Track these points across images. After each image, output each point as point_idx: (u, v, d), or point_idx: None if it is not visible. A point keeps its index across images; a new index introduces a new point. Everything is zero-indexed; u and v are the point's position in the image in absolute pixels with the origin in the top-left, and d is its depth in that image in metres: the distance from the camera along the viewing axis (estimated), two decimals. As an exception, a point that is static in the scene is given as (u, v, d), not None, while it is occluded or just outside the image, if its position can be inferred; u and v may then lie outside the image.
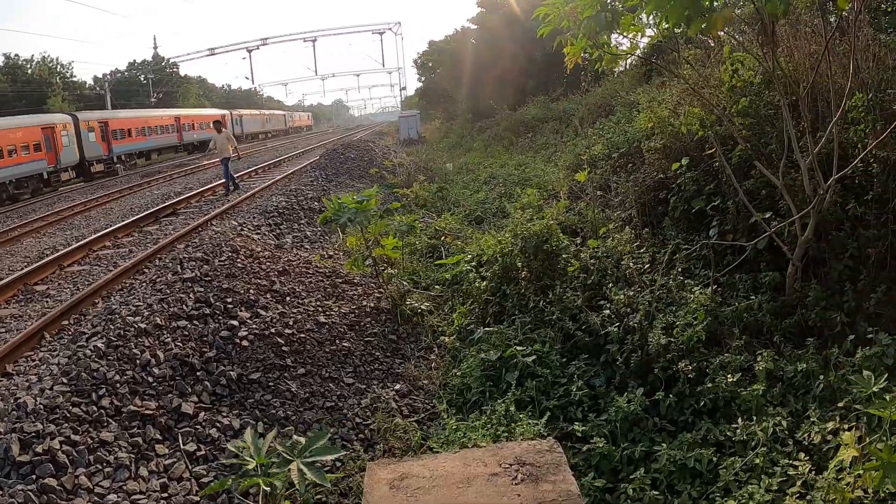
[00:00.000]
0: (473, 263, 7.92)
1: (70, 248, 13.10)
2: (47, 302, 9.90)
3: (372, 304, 7.57)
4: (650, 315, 5.96)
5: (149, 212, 16.79)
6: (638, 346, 5.72)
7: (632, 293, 6.33)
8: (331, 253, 10.06)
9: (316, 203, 13.65)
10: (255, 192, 17.56)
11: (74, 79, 69.96)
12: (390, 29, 53.88)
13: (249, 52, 52.24)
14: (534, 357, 5.77)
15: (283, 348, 6.14)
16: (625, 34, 6.86)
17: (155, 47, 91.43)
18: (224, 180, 19.56)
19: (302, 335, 6.40)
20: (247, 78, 59.99)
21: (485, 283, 7.26)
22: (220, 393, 5.60)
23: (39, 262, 12.01)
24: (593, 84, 22.05)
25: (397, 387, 6.12)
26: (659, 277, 6.40)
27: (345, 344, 6.58)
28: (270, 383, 5.80)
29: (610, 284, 6.64)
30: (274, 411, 5.51)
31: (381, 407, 5.70)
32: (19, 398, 5.45)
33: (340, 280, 8.32)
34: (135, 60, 78.44)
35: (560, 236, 7.26)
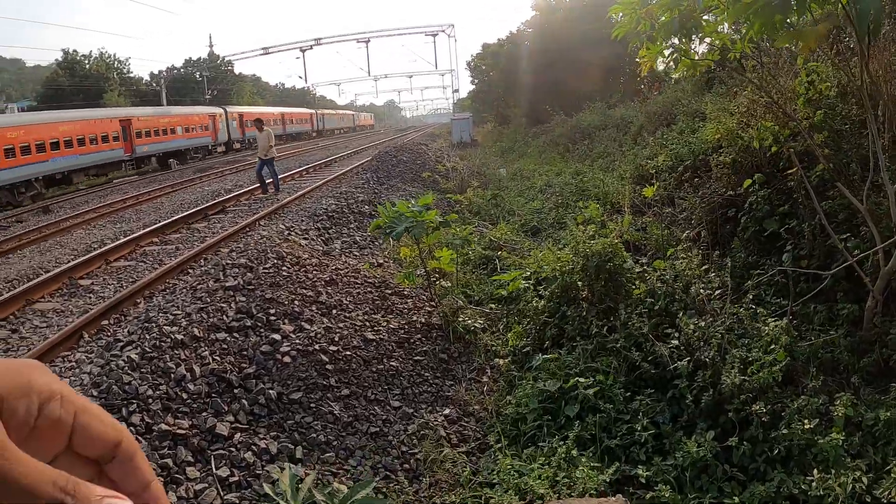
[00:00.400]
0: (531, 281, 7.42)
1: (117, 242, 13.05)
2: (90, 298, 9.77)
3: (423, 320, 7.12)
4: (723, 349, 5.39)
5: (198, 208, 16.75)
6: (710, 384, 5.15)
7: (703, 323, 5.75)
8: (380, 261, 9.66)
9: (367, 207, 13.30)
10: (305, 193, 17.35)
11: (131, 75, 72.43)
12: (443, 31, 53.65)
13: (303, 51, 52.78)
14: (596, 389, 5.23)
15: (328, 367, 5.73)
16: (703, 40, 6.38)
17: (210, 46, 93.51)
18: (258, 184, 19.21)
19: (348, 353, 5.98)
20: (300, 77, 61.39)
21: (543, 302, 6.75)
22: (258, 413, 5.21)
23: (86, 256, 11.95)
24: (653, 91, 21.47)
25: (446, 412, 5.67)
26: (730, 305, 5.83)
27: (392, 363, 6.13)
28: (312, 404, 5.38)
29: (678, 311, 6.07)
30: (315, 435, 5.10)
31: (428, 434, 5.25)
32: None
33: (390, 292, 7.90)
34: (190, 58, 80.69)
35: (624, 256, 6.71)
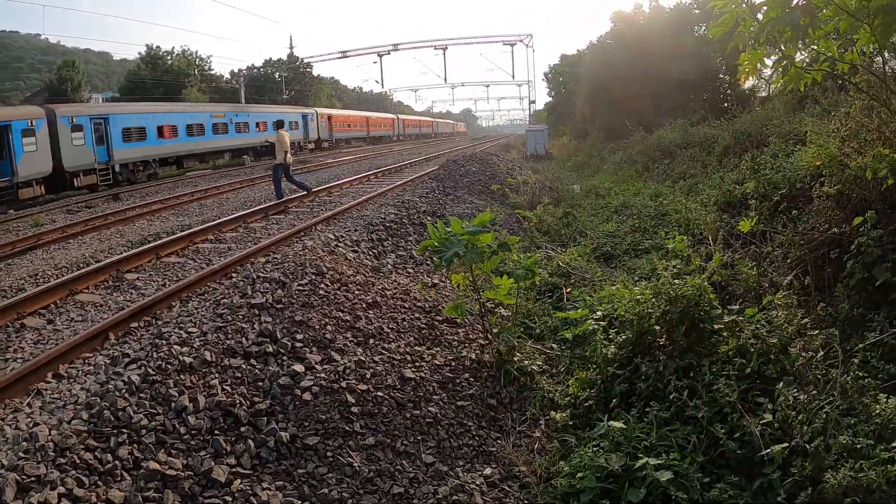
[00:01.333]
0: (603, 323, 6.52)
1: (171, 237, 12.86)
2: (131, 294, 9.49)
3: (473, 356, 6.36)
4: (827, 434, 4.41)
5: (259, 207, 16.52)
6: (808, 479, 4.19)
7: (804, 397, 4.77)
8: (436, 280, 8.94)
9: (428, 218, 12.65)
10: (368, 199, 16.88)
11: (212, 72, 75.50)
12: (521, 41, 52.81)
13: (380, 56, 53.02)
14: (669, 475, 4.34)
15: (353, 409, 5.04)
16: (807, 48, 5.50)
17: (291, 47, 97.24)
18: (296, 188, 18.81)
19: (380, 393, 5.27)
20: (377, 82, 62.31)
21: (613, 349, 5.87)
22: (265, 457, 4.57)
23: (137, 249, 11.77)
24: (739, 108, 20.24)
25: (487, 472, 4.90)
26: (838, 374, 4.81)
27: (431, 408, 5.39)
28: (329, 452, 4.70)
29: (774, 376, 5.10)
30: (327, 490, 4.42)
31: (461, 501, 4.50)
32: (37, 423, 4.70)
33: (441, 318, 7.18)
34: (270, 58, 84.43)
35: (712, 301, 5.76)
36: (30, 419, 5.30)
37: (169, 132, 33.36)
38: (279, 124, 18.78)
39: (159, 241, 12.45)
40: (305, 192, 18.41)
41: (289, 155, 17.87)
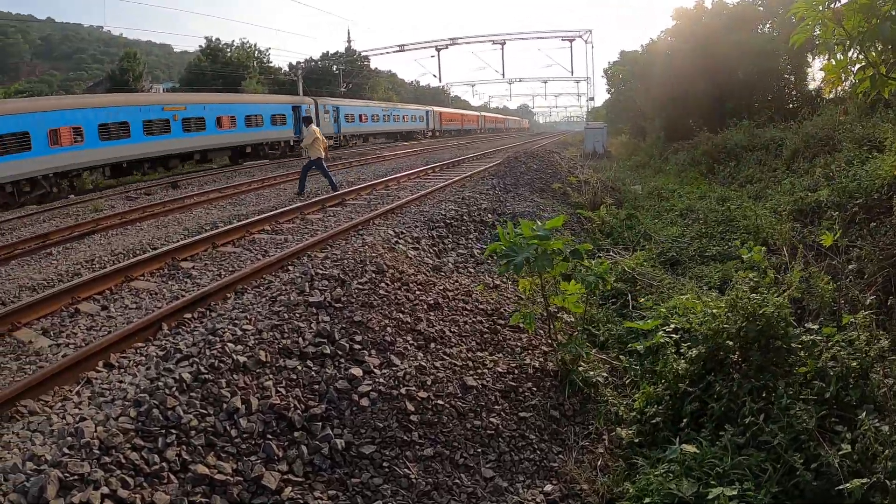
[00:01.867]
0: (676, 336, 6.08)
1: (228, 227, 12.84)
2: (186, 282, 9.43)
3: (537, 364, 6.01)
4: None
5: (317, 199, 16.44)
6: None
7: (886, 429, 4.28)
8: (498, 282, 8.61)
9: (489, 216, 12.31)
10: (427, 193, 16.62)
11: (271, 64, 76.92)
12: (580, 36, 51.78)
13: (438, 50, 52.57)
14: (742, 508, 3.93)
15: (412, 417, 4.76)
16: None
17: (348, 41, 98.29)
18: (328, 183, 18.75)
19: (440, 401, 4.98)
20: (434, 76, 62.36)
21: (684, 364, 5.44)
22: (319, 465, 4.33)
23: (194, 238, 11.77)
24: (808, 111, 19.34)
25: (548, 489, 4.58)
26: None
27: (493, 419, 5.07)
28: (385, 462, 4.43)
29: (854, 403, 4.61)
30: (381, 503, 4.15)
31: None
32: (84, 418, 4.55)
33: (503, 322, 6.85)
34: (328, 51, 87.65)
35: (789, 319, 5.29)
36: (78, 410, 5.19)
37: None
38: (306, 121, 19.65)
39: (216, 231, 12.44)
40: (335, 192, 18.24)
41: (321, 150, 18.18)
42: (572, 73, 57.07)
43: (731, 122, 22.72)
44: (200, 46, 69.85)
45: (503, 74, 59.15)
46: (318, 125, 19.30)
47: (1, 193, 21.09)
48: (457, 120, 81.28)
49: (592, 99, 68.19)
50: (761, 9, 27.28)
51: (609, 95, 50.87)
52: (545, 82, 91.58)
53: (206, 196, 19.57)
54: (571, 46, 52.58)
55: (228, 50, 70.12)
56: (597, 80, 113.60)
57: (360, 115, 51.50)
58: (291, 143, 39.68)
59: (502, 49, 52.65)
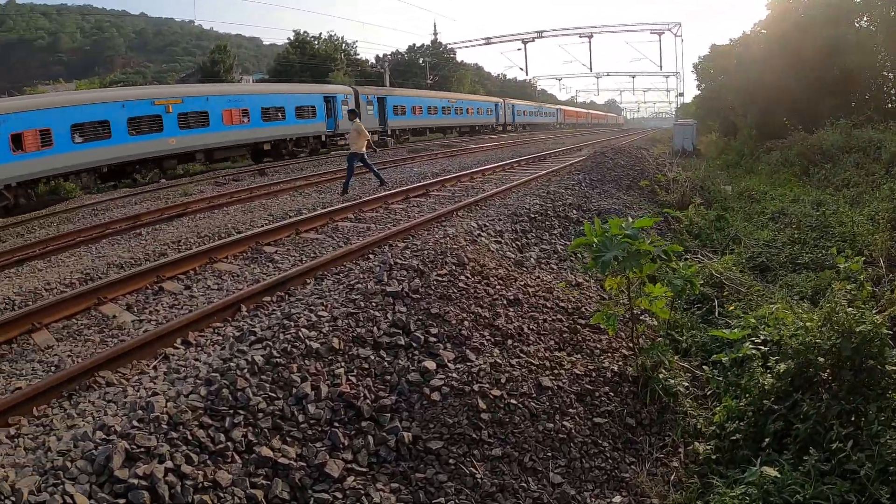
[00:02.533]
0: (764, 349, 5.67)
1: (312, 213, 13.04)
2: (268, 266, 9.60)
3: (615, 367, 5.75)
4: None
5: (400, 189, 16.52)
6: None
7: None
8: (580, 280, 8.35)
9: (574, 212, 12.01)
10: (512, 187, 16.42)
11: (358, 56, 78.56)
12: (669, 30, 50.26)
13: (524, 43, 52.34)
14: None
15: (483, 415, 4.61)
16: None
17: (435, 33, 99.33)
18: (345, 179, 17.98)
19: (513, 401, 4.81)
20: (521, 69, 61.63)
21: (770, 380, 5.05)
22: (384, 456, 4.25)
23: (278, 224, 12.01)
24: None
25: (616, 500, 4.41)
26: None
27: (566, 423, 4.87)
28: (452, 460, 4.31)
29: None
30: (444, 500, 4.06)
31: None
32: (156, 393, 4.63)
33: (583, 322, 6.61)
34: (414, 44, 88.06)
35: (887, 340, 4.81)
36: (152, 385, 5.30)
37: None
38: (352, 115, 18.45)
39: (300, 217, 12.66)
40: (381, 183, 18.26)
41: (363, 145, 17.71)
42: (661, 67, 55.64)
43: (826, 122, 21.53)
44: (288, 39, 72.01)
45: (591, 68, 58.33)
46: (359, 118, 18.44)
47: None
48: (572, 116, 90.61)
49: (682, 95, 66.68)
50: (858, 1, 25.59)
51: (699, 91, 49.08)
52: (633, 77, 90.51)
53: (292, 183, 20.02)
54: (660, 40, 51.44)
55: (316, 42, 71.99)
56: (686, 75, 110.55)
57: (414, 108, 48.64)
58: (324, 139, 36.57)
59: (590, 42, 51.95)
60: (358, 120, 17.87)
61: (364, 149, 17.79)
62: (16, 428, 5.04)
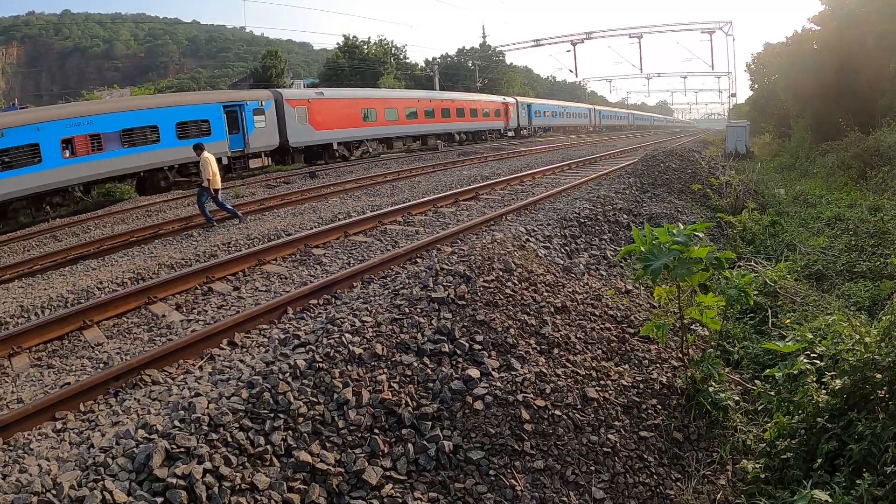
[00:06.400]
0: (819, 363, 5.39)
1: (361, 216, 13.10)
2: (316, 269, 9.67)
3: (664, 379, 5.59)
4: None
5: (450, 192, 16.48)
6: None
7: None
8: (630, 287, 8.16)
9: (625, 216, 11.78)
10: (563, 190, 16.23)
11: (407, 60, 79.48)
12: (720, 28, 49.31)
13: (574, 45, 52.08)
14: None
15: (526, 426, 4.52)
16: None
17: (483, 36, 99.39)
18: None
19: (557, 412, 4.71)
20: (570, 71, 60.34)
21: (826, 397, 4.80)
22: (423, 465, 4.19)
23: (327, 226, 12.11)
24: None
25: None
26: None
27: (611, 436, 4.74)
28: (492, 471, 4.23)
29: None
30: (482, 512, 3.97)
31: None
32: (198, 394, 4.68)
33: (632, 331, 6.45)
34: (463, 47, 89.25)
35: None
36: (196, 385, 5.37)
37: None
38: (198, 150, 14.84)
39: (349, 220, 12.73)
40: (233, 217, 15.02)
41: (216, 178, 14.77)
42: (713, 67, 54.74)
43: (883, 122, 20.64)
44: (338, 44, 73.05)
45: (641, 69, 57.66)
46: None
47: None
48: (644, 119, 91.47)
49: (734, 95, 65.20)
50: None
51: (752, 91, 47.78)
52: (684, 77, 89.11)
53: (342, 186, 20.20)
54: (711, 39, 50.83)
55: (365, 46, 72.71)
56: (739, 75, 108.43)
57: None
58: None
59: (639, 43, 51.52)
60: (206, 153, 14.81)
61: (212, 184, 14.69)
62: (62, 422, 5.16)
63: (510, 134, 56.92)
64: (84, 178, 22.27)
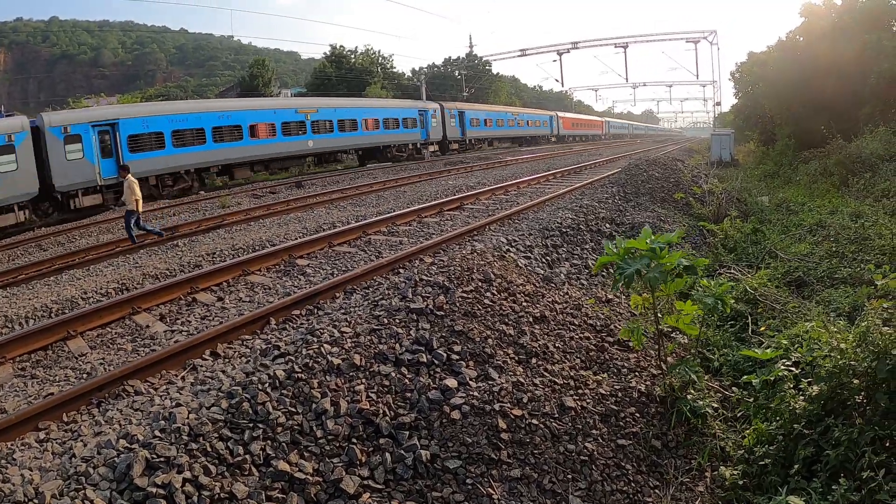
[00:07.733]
0: (795, 370, 5.50)
1: (345, 227, 13.16)
2: (300, 279, 9.70)
3: (643, 387, 5.68)
4: None
5: (435, 202, 16.58)
6: None
7: None
8: (611, 296, 8.27)
9: (607, 225, 11.93)
10: (546, 200, 16.34)
11: (394, 70, 79.57)
12: (705, 38, 49.97)
13: (560, 54, 52.44)
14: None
15: (503, 435, 4.59)
16: None
17: (470, 46, 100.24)
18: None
19: (534, 421, 4.79)
20: (556, 80, 60.68)
21: (803, 403, 4.90)
22: (401, 474, 4.25)
23: (311, 237, 12.15)
24: None
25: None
26: None
27: (588, 444, 4.82)
28: (469, 480, 4.29)
29: None
30: (459, 521, 4.04)
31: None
32: (179, 404, 4.72)
33: (612, 340, 6.54)
34: (450, 57, 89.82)
35: None
36: (178, 395, 5.41)
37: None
38: (123, 172, 15.07)
39: (333, 230, 12.78)
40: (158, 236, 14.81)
41: (139, 203, 14.73)
42: (697, 76, 55.44)
43: (865, 129, 21.01)
44: (325, 53, 72.79)
45: (626, 79, 58.32)
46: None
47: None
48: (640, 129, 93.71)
49: (719, 104, 66.15)
50: (894, 3, 24.91)
51: (736, 100, 48.51)
52: (670, 86, 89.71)
53: (328, 196, 20.24)
54: (696, 48, 51.44)
55: (352, 56, 72.95)
56: (724, 84, 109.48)
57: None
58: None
59: (625, 52, 51.98)
60: (130, 176, 14.93)
61: (136, 207, 14.64)
62: (45, 433, 5.19)
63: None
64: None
